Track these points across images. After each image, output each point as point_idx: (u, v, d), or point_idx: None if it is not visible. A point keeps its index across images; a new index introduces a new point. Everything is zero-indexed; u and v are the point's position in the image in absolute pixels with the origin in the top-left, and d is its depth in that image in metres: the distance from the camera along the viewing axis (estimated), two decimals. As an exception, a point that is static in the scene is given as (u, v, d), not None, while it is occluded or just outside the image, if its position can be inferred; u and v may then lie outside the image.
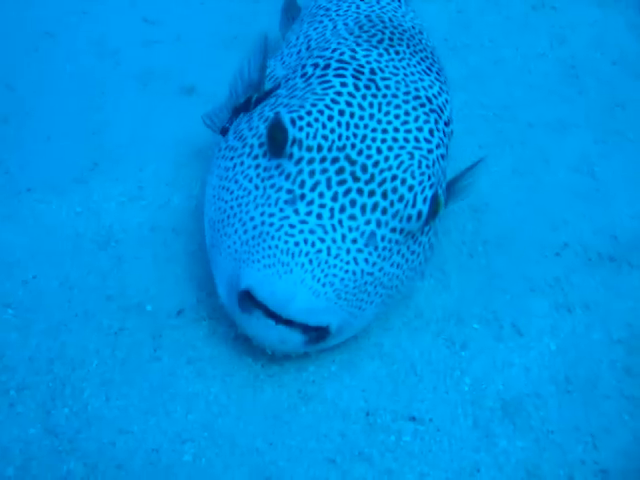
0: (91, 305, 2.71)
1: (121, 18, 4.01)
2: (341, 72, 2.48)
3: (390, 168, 2.34)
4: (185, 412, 2.44)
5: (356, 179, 2.31)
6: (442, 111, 2.60)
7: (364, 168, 2.31)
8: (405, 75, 2.58)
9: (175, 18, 4.06)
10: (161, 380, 2.51)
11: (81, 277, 2.80)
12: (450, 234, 3.27)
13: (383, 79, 2.50)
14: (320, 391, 2.57)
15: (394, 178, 2.32)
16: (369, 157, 2.33)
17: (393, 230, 2.36)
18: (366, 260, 2.31)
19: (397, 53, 2.63)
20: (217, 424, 2.43)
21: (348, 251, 2.27)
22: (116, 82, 3.68)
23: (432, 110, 2.55)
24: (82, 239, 2.95)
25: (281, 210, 2.32)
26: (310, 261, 2.23)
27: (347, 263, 2.27)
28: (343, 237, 2.27)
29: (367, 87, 2.46)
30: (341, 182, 2.31)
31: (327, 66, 2.54)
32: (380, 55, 2.58)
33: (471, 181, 2.96)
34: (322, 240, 2.25)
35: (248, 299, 2.32)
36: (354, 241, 2.29)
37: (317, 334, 2.34)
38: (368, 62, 2.52)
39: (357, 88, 2.44)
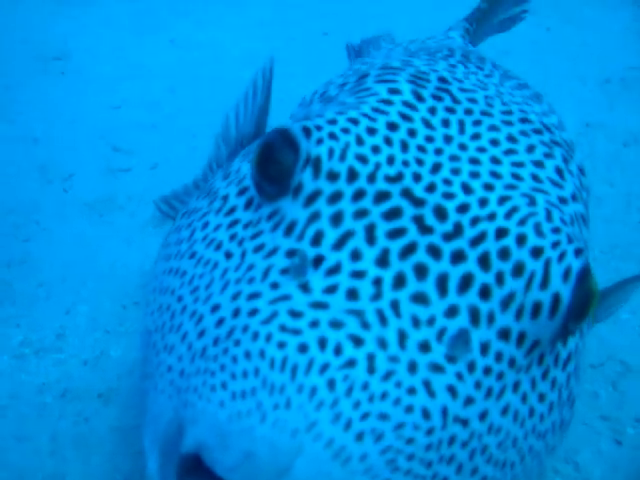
0: None
1: (83, 145, 3.05)
2: (389, 77, 1.45)
3: (493, 216, 1.18)
4: None
5: (425, 230, 1.17)
6: (572, 150, 1.48)
7: (440, 212, 1.19)
8: (499, 93, 1.51)
9: (154, 149, 3.09)
10: None
11: None
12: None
13: (463, 90, 1.44)
14: None
15: (502, 233, 1.16)
16: (449, 197, 1.21)
17: (503, 334, 1.15)
18: (451, 390, 1.08)
19: (480, 68, 1.59)
20: None
21: (413, 367, 1.06)
22: (60, 209, 2.61)
23: (555, 142, 1.44)
24: None
25: (274, 286, 1.14)
26: (331, 384, 1.01)
27: (411, 392, 1.04)
28: (402, 338, 1.07)
29: (437, 98, 1.40)
30: (396, 233, 1.16)
31: (364, 76, 1.51)
32: (453, 66, 1.55)
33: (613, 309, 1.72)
34: (358, 341, 1.05)
35: (198, 469, 1.05)
36: (425, 347, 1.08)
37: None
38: (434, 70, 1.47)
39: (419, 98, 1.38)
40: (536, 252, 1.14)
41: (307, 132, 1.22)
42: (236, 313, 1.13)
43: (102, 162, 2.93)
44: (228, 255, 1.25)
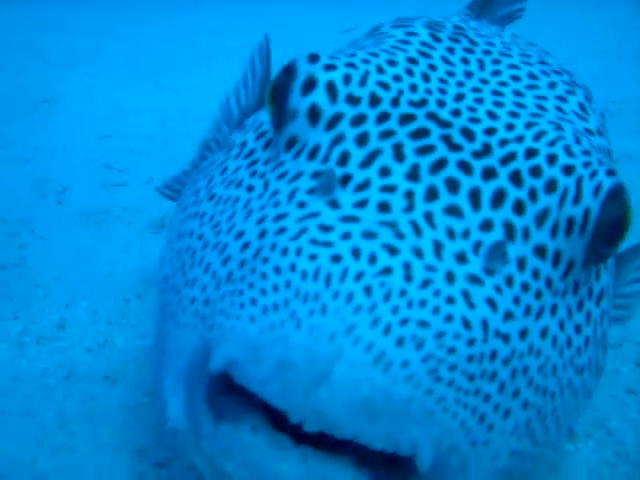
0: None
1: (75, 165, 3.03)
2: (404, 23, 1.43)
3: (521, 139, 1.17)
4: None
5: (454, 147, 1.14)
6: (591, 95, 1.48)
7: (468, 133, 1.16)
8: (515, 41, 1.56)
9: (148, 167, 3.06)
10: None
11: None
12: (596, 376, 1.89)
13: (479, 35, 1.45)
14: None
15: (532, 153, 1.14)
16: (475, 121, 1.19)
17: (539, 251, 1.11)
18: (491, 302, 1.03)
19: (492, 25, 1.63)
20: None
21: (451, 277, 1.01)
22: (55, 220, 2.57)
23: (575, 84, 1.42)
24: None
25: (301, 205, 1.10)
26: (367, 290, 0.96)
27: (450, 301, 0.99)
28: (437, 248, 1.03)
29: (454, 40, 1.40)
30: (424, 150, 1.13)
31: (378, 27, 1.53)
32: (465, 20, 1.61)
33: None
34: (392, 251, 1.01)
35: (228, 393, 1.01)
36: (461, 258, 1.04)
37: (388, 470, 0.99)
38: (449, 20, 1.50)
39: (437, 39, 1.38)
40: (568, 169, 1.12)
41: (313, 58, 1.21)
42: (262, 234, 1.09)
43: (96, 178, 2.91)
44: (250, 188, 1.21)
